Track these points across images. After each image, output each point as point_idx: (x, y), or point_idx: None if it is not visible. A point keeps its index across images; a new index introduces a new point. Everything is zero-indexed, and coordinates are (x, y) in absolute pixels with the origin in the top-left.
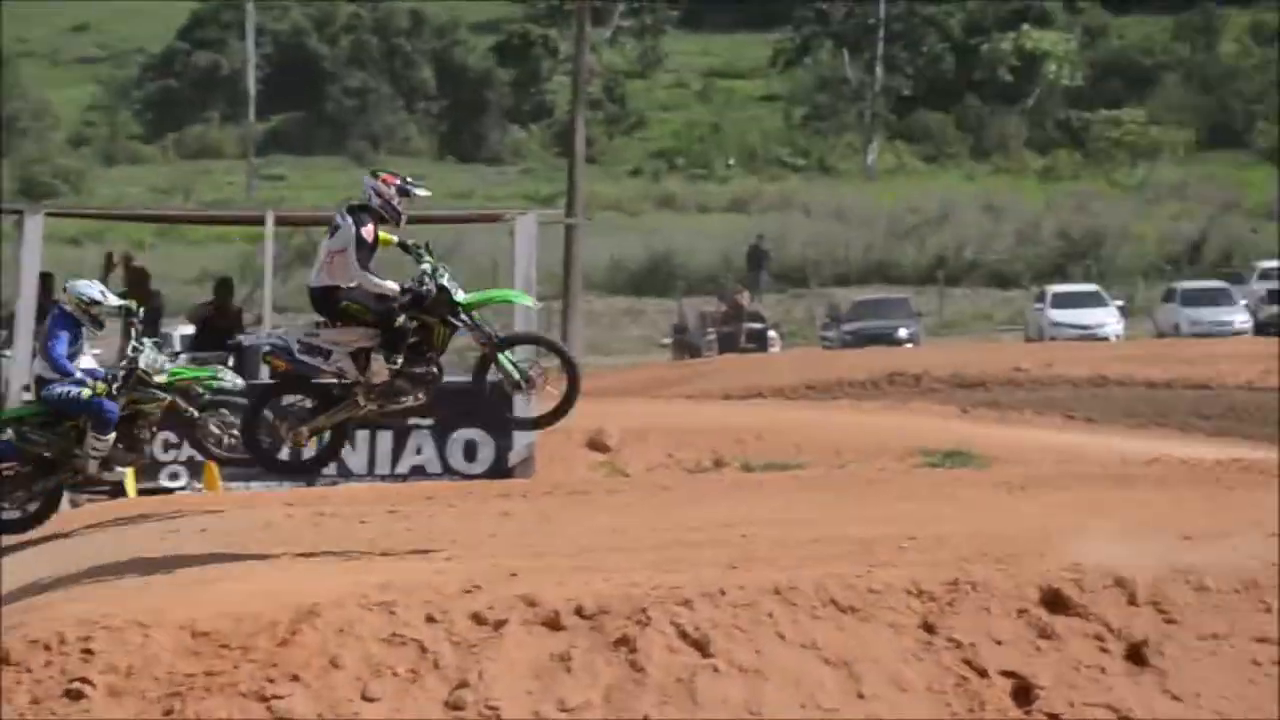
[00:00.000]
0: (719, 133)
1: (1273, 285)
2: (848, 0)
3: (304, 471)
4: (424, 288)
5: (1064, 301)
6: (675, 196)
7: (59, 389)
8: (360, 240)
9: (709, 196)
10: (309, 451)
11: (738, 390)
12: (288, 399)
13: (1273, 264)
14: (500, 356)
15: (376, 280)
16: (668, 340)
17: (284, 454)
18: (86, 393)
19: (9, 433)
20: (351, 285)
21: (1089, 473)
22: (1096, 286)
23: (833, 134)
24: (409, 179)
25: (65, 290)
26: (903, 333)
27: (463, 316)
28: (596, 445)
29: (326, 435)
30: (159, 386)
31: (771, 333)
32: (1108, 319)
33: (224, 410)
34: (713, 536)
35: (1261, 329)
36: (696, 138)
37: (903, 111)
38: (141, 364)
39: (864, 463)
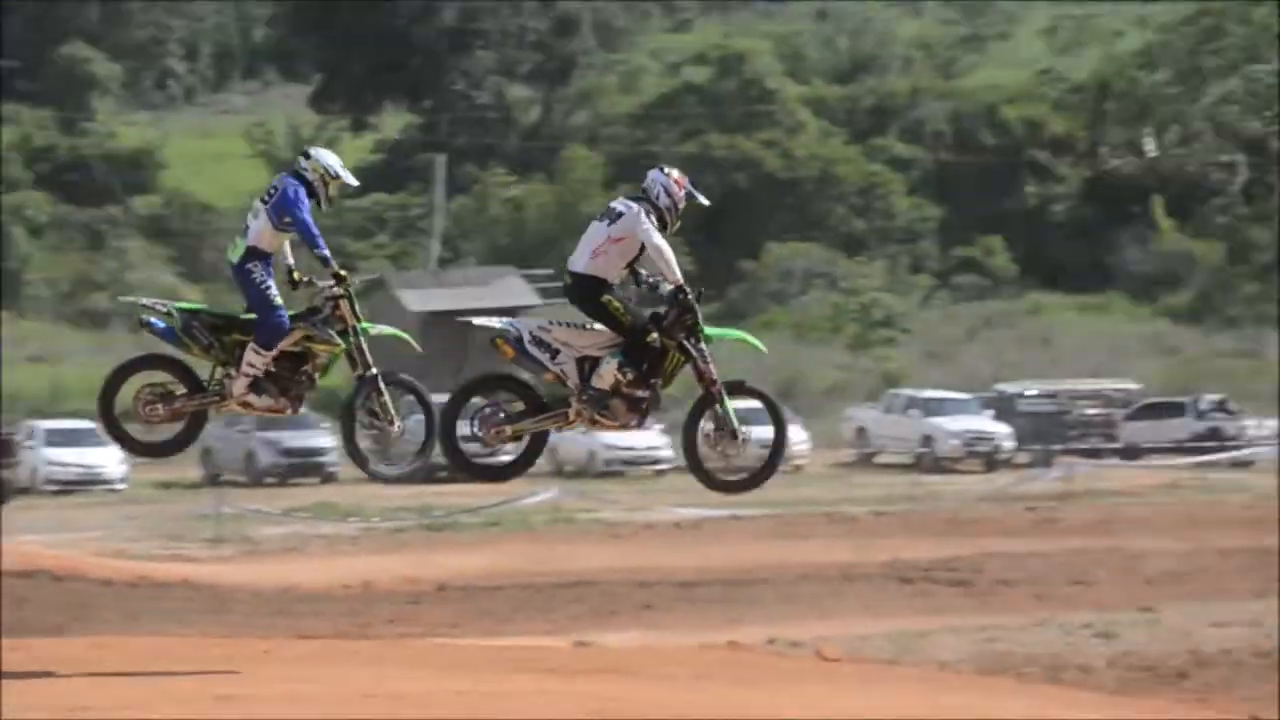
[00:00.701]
0: None
1: None
2: None
3: (495, 476)
4: (681, 296)
5: None
6: None
7: (260, 275)
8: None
9: None
10: (501, 456)
11: None
12: (497, 395)
13: None
14: (726, 401)
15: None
16: None
17: (477, 453)
18: (280, 299)
19: (178, 319)
20: (616, 281)
21: None
22: None
23: None
24: (695, 185)
25: (308, 156)
26: None
27: (701, 345)
28: None
29: (525, 440)
30: (340, 333)
31: None
32: None
33: (390, 389)
34: None
35: None
36: None
37: None
38: (346, 305)
39: None
